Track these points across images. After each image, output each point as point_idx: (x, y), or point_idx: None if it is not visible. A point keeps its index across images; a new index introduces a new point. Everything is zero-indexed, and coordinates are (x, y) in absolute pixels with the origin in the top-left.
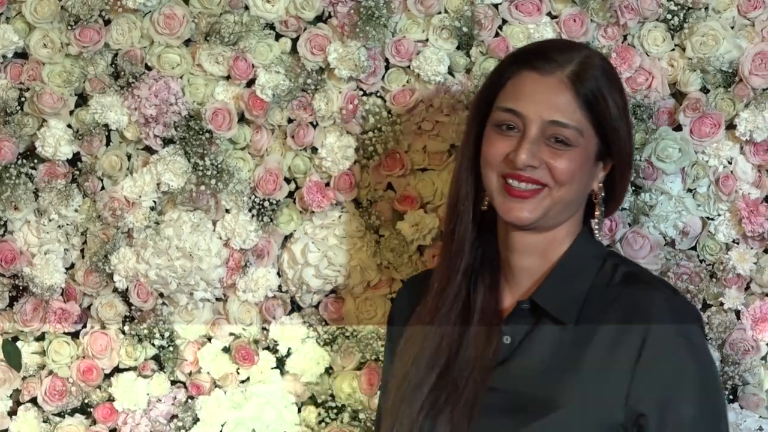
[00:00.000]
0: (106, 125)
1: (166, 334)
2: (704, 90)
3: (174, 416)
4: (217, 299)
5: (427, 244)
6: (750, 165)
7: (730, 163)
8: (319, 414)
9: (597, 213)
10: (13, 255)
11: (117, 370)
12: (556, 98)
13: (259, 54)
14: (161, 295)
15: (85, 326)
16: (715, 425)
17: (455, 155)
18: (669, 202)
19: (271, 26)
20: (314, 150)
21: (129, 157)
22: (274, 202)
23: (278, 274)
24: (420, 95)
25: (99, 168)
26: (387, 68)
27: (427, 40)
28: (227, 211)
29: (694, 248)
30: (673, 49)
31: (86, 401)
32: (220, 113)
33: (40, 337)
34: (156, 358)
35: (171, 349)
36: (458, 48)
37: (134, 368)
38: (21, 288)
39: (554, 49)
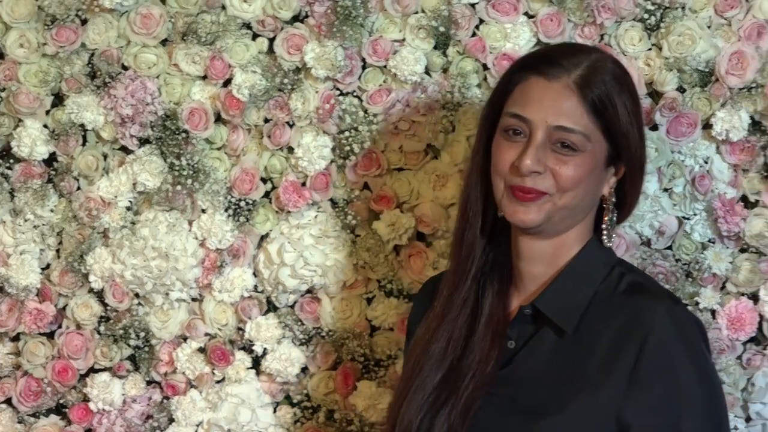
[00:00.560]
0: (83, 125)
1: (142, 335)
2: (681, 89)
3: (149, 416)
4: (192, 299)
5: (403, 244)
6: (726, 164)
7: (706, 162)
8: (295, 414)
9: (606, 219)
10: None
11: (92, 370)
12: (563, 103)
13: (236, 54)
14: (137, 295)
15: (60, 326)
16: None
17: (464, 163)
18: (645, 202)
19: (248, 26)
20: (290, 150)
21: (105, 157)
22: (251, 201)
23: (254, 274)
24: (397, 95)
25: (75, 168)
26: (364, 68)
27: (404, 39)
28: (203, 211)
29: (669, 248)
30: (650, 49)
31: (61, 402)
32: (196, 113)
33: (15, 338)
34: (131, 358)
35: (146, 349)
36: (435, 47)
37: (109, 369)
38: None
39: (562, 54)
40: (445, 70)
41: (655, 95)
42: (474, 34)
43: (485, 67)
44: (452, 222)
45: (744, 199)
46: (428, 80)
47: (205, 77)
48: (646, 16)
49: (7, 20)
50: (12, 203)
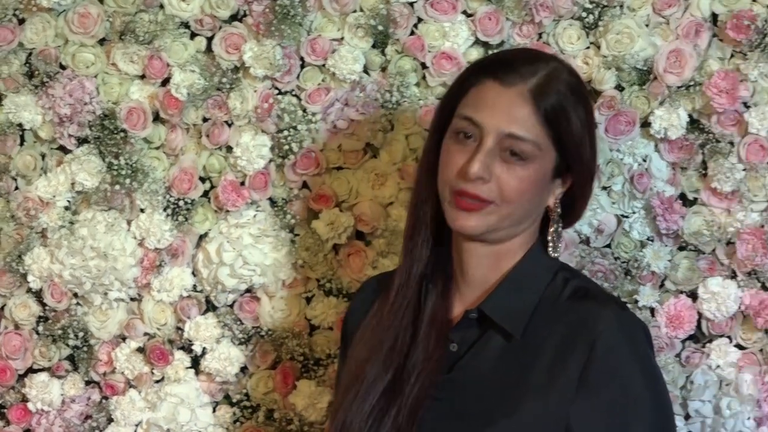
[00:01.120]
0: (20, 125)
1: (81, 335)
2: (619, 88)
3: (88, 416)
4: (131, 299)
5: (342, 243)
6: (665, 162)
7: (644, 160)
8: (234, 413)
9: (551, 230)
10: None
11: (31, 370)
12: (516, 111)
13: (174, 53)
14: (75, 295)
15: None
16: None
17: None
18: None
19: (186, 25)
20: (229, 149)
21: (43, 156)
22: (189, 201)
23: (193, 273)
24: (335, 94)
25: (13, 168)
26: (302, 67)
27: (342, 38)
28: (142, 210)
29: (608, 246)
30: (588, 47)
31: (0, 402)
32: (134, 112)
33: None
34: (70, 358)
35: (85, 349)
36: (374, 46)
37: (48, 369)
38: None
39: (520, 61)
40: (383, 69)
41: (594, 93)
42: (412, 33)
43: (424, 65)
44: (391, 221)
45: (682, 197)
46: (367, 79)
47: (143, 76)
48: (584, 14)
49: None
50: None
